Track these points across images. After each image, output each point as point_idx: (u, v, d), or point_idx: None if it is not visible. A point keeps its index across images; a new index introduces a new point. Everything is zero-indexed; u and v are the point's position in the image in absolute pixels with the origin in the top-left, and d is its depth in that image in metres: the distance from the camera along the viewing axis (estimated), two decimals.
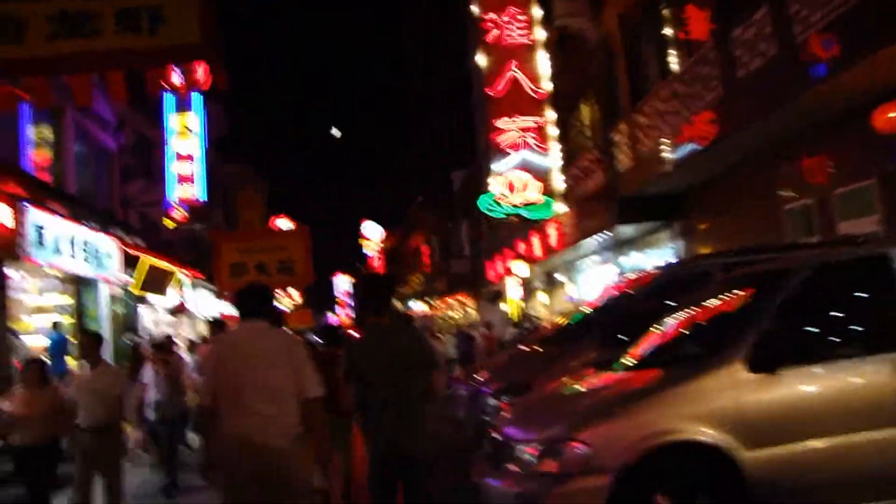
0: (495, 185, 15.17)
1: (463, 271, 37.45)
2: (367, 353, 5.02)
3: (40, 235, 10.55)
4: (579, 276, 23.63)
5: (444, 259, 40.30)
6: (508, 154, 15.35)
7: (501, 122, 15.41)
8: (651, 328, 5.82)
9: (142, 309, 20.46)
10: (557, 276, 27.21)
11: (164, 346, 10.33)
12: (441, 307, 43.84)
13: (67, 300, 13.01)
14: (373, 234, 59.93)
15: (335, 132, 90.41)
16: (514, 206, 15.12)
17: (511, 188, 15.10)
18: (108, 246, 13.43)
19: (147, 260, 16.07)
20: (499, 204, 15.09)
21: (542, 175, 15.33)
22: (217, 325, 10.29)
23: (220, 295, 25.48)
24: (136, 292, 16.24)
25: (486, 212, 15.10)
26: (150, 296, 19.42)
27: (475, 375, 8.72)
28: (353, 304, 78.98)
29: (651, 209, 15.60)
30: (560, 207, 15.49)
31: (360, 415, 5.23)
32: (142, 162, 23.37)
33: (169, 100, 22.22)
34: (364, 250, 61.43)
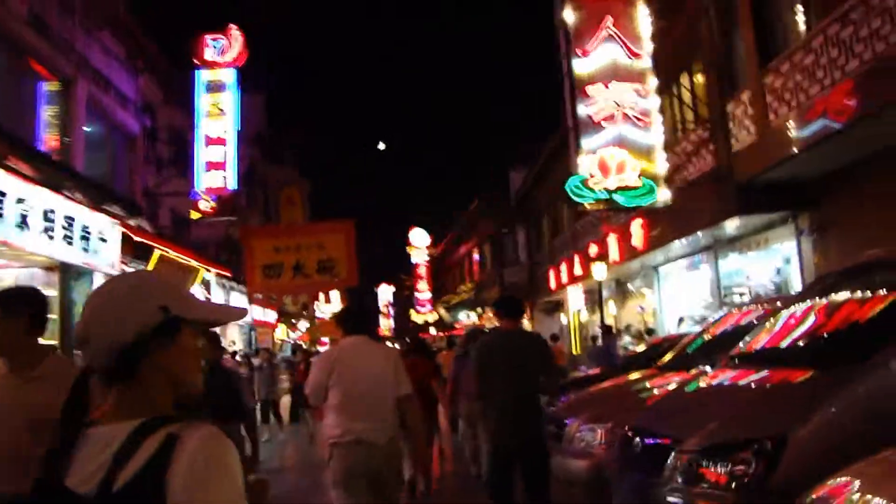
0: (585, 164, 12.18)
1: (518, 280, 34.57)
2: (494, 352, 5.68)
3: None
4: (661, 284, 20.59)
5: (496, 267, 37.37)
6: (602, 128, 12.37)
7: (594, 90, 12.46)
8: None
9: None
10: (630, 285, 24.23)
11: None
12: (491, 318, 40.88)
13: (50, 292, 10.40)
14: (420, 242, 57.14)
15: (381, 145, 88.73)
16: (607, 190, 12.12)
17: (604, 169, 12.11)
18: (103, 227, 10.75)
19: (161, 251, 13.47)
20: (588, 188, 12.11)
21: (642, 153, 12.33)
22: None
23: (251, 298, 22.89)
24: None
25: (573, 197, 12.14)
26: None
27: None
28: (395, 315, 76.69)
29: (773, 198, 12.57)
30: (663, 194, 12.47)
31: (481, 407, 5.90)
32: (173, 153, 20.97)
33: (200, 78, 19.68)
34: (412, 259, 58.59)
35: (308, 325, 42.88)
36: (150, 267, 13.26)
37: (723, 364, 5.15)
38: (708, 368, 5.17)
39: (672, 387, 5.31)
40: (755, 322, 6.56)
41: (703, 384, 5.12)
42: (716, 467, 3.89)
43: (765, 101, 11.53)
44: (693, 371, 5.36)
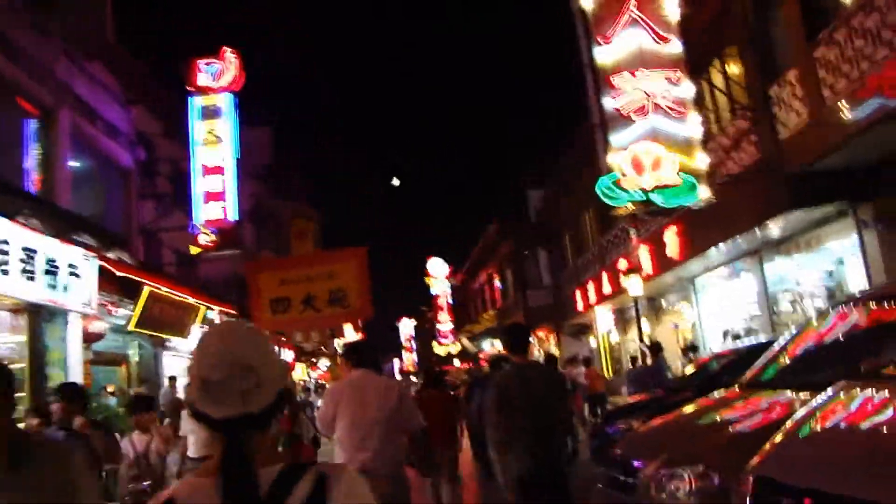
0: (616, 162, 10.83)
1: (542, 304, 33.08)
2: (514, 386, 5.62)
3: None
4: (699, 298, 19.11)
5: (519, 291, 35.88)
6: (632, 121, 11.04)
7: (620, 80, 11.13)
8: None
9: (166, 356, 16.72)
10: (663, 300, 22.74)
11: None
12: None
13: (17, 338, 9.13)
14: (439, 272, 55.78)
15: (395, 182, 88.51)
16: (643, 190, 10.74)
17: (638, 167, 10.74)
18: (74, 260, 9.46)
19: (150, 287, 12.18)
20: (622, 188, 10.74)
21: (680, 146, 10.96)
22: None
23: None
24: (132, 329, 12.30)
25: (605, 199, 10.77)
26: (175, 339, 15.66)
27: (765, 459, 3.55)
28: (417, 348, 75.32)
29: (829, 188, 11.17)
30: (704, 192, 11.08)
31: (504, 440, 5.72)
32: (175, 188, 19.80)
33: (194, 104, 18.50)
34: (431, 290, 57.24)
35: (329, 363, 41.43)
36: (140, 305, 11.97)
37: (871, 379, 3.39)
38: (850, 386, 3.44)
39: (799, 413, 3.54)
40: (857, 327, 5.13)
41: (858, 409, 3.27)
42: None
43: (817, 78, 10.14)
44: (830, 390, 3.55)
